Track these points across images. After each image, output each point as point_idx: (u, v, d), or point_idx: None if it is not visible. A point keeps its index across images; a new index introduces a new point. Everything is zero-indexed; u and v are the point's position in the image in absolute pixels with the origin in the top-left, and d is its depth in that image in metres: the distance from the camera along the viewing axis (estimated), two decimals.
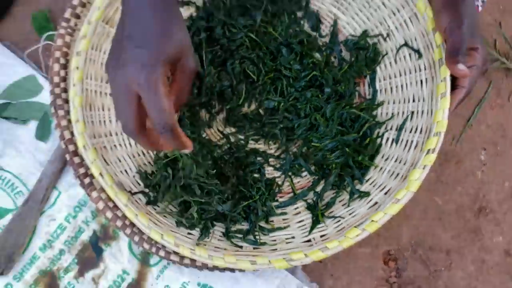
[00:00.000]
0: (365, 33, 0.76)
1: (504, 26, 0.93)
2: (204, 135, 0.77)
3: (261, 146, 0.78)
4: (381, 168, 0.69)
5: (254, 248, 0.66)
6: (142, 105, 0.50)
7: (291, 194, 0.73)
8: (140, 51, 0.49)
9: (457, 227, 0.79)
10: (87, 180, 0.69)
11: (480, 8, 0.73)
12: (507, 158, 0.84)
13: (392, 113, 0.72)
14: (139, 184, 0.70)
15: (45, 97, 0.78)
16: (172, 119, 0.49)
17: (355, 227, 0.61)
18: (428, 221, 0.79)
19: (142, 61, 0.48)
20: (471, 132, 0.85)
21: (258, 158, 0.76)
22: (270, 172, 0.76)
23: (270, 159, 0.76)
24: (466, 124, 0.85)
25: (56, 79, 0.72)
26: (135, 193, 0.68)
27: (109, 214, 0.67)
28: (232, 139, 0.77)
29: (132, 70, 0.48)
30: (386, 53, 0.74)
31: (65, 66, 0.73)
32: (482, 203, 0.81)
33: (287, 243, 0.66)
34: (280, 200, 0.73)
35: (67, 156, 0.70)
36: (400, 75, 0.73)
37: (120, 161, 0.71)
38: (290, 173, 0.75)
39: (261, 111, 0.78)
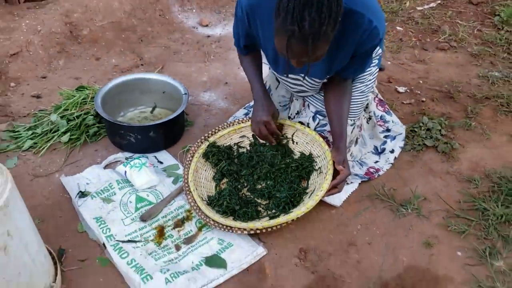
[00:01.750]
0: (310, 156, 1.88)
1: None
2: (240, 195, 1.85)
3: (258, 199, 1.83)
4: (299, 205, 1.71)
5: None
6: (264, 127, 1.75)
7: (266, 215, 1.75)
8: (262, 113, 1.80)
9: None
10: (188, 192, 1.79)
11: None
12: None
13: (312, 190, 1.78)
14: (207, 198, 1.78)
15: (179, 171, 1.96)
16: (275, 130, 1.79)
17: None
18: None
19: (263, 115, 1.78)
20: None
21: (255, 205, 1.81)
22: (259, 209, 1.79)
23: (261, 205, 1.81)
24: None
25: (188, 158, 1.90)
26: (204, 200, 1.76)
27: (192, 204, 1.74)
28: (246, 197, 1.85)
29: (260, 117, 1.80)
30: (315, 168, 1.84)
31: (191, 159, 1.92)
32: None
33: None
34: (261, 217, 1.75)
35: (184, 185, 1.82)
36: (317, 176, 1.81)
37: (201, 190, 1.81)
38: (268, 210, 1.78)
39: (265, 187, 1.86)
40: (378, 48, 1.84)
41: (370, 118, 2.15)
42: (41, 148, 2.09)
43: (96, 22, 3.11)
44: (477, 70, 2.73)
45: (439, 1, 3.42)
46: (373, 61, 1.89)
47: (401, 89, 2.54)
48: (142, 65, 2.86)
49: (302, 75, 1.80)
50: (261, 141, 1.97)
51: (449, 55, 2.89)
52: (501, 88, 2.57)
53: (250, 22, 1.65)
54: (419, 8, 3.36)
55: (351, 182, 1.96)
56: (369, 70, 1.89)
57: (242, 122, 2.00)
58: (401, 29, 3.15)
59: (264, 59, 1.89)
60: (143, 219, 1.77)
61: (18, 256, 1.34)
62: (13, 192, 1.32)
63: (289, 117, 2.05)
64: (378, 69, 1.97)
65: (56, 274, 1.54)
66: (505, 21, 3.10)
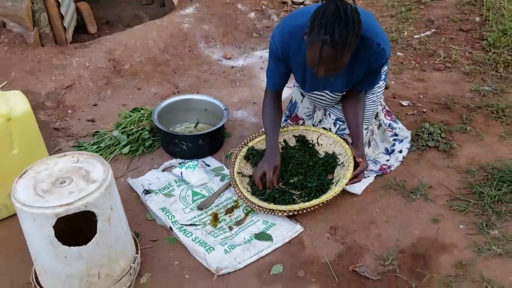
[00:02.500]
0: (333, 154, 2.28)
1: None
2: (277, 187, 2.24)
3: (292, 191, 2.22)
4: (325, 193, 2.10)
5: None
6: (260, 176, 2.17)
7: (301, 202, 2.13)
8: (268, 164, 2.18)
9: None
10: (235, 186, 2.18)
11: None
12: None
13: (336, 180, 2.17)
14: (250, 190, 2.18)
15: (225, 172, 2.36)
16: (271, 180, 2.15)
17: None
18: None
19: (268, 167, 2.17)
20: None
21: (290, 194, 2.19)
22: (294, 198, 2.18)
23: (295, 195, 2.19)
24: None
25: (232, 160, 2.30)
26: (248, 191, 2.16)
27: (240, 194, 2.13)
28: (282, 189, 2.23)
29: (265, 167, 2.18)
30: (338, 164, 2.24)
31: (235, 160, 2.32)
32: None
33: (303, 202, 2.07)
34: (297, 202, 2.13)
35: (231, 180, 2.21)
36: (341, 169, 2.21)
37: (245, 184, 2.21)
38: (301, 198, 2.17)
39: (297, 181, 2.25)
40: (385, 66, 2.28)
41: (380, 125, 2.56)
42: (106, 159, 2.50)
43: (135, 58, 3.58)
44: (470, 86, 3.15)
45: (433, 30, 3.89)
46: (381, 76, 2.31)
47: (405, 103, 2.96)
48: (178, 92, 3.30)
49: (326, 91, 2.22)
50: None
51: (445, 74, 3.32)
52: (491, 99, 2.99)
53: (283, 54, 2.09)
54: (416, 36, 3.82)
55: (368, 176, 2.35)
56: (378, 84, 2.32)
57: None
58: (401, 54, 3.60)
59: (289, 83, 2.33)
60: (199, 208, 2.16)
61: (116, 227, 1.73)
62: (112, 177, 1.72)
63: (313, 125, 2.47)
64: (385, 83, 2.40)
65: (137, 249, 1.92)
66: (492, 44, 3.54)
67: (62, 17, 3.55)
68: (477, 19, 3.97)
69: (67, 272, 1.68)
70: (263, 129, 2.60)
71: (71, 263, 1.66)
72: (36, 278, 1.82)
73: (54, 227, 1.58)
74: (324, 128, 2.38)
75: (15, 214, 2.14)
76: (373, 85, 2.26)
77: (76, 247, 1.64)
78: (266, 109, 2.26)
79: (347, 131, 2.33)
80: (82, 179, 1.68)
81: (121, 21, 4.51)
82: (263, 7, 4.54)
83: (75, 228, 1.74)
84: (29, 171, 1.72)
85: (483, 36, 3.70)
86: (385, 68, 2.35)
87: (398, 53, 3.61)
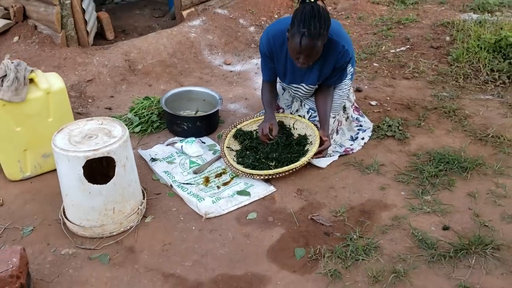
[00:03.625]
0: (305, 135, 2.82)
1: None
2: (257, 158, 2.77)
3: (270, 163, 2.75)
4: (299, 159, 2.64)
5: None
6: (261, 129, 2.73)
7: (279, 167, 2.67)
8: (264, 122, 2.76)
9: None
10: (224, 157, 2.72)
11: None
12: None
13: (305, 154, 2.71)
14: (236, 160, 2.72)
15: (217, 148, 2.90)
16: (267, 132, 2.72)
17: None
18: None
19: (265, 124, 2.74)
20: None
21: (268, 165, 2.72)
22: (270, 168, 2.71)
23: (271, 165, 2.72)
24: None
25: (223, 137, 2.84)
26: (234, 161, 2.69)
27: (227, 163, 2.67)
28: (262, 161, 2.77)
29: (264, 124, 2.73)
30: (308, 143, 2.78)
31: (225, 138, 2.86)
32: None
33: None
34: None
35: (221, 153, 2.75)
36: (310, 146, 2.74)
37: (232, 156, 2.75)
38: (276, 168, 2.70)
39: (275, 156, 2.79)
40: (350, 66, 2.84)
41: (347, 118, 3.10)
42: None
43: (148, 60, 4.16)
44: (431, 92, 3.70)
45: (408, 46, 4.46)
46: (348, 76, 2.87)
47: (373, 103, 3.50)
48: None
49: (303, 84, 2.77)
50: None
51: (412, 82, 3.87)
52: (447, 102, 3.52)
53: (269, 52, 2.66)
54: (392, 51, 4.39)
55: (333, 155, 2.88)
56: (344, 82, 2.87)
57: (258, 117, 2.97)
58: (376, 65, 4.16)
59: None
60: (195, 172, 2.70)
61: (129, 173, 2.27)
62: (128, 136, 2.27)
63: (291, 113, 3.02)
64: (351, 82, 2.95)
65: (144, 197, 2.46)
66: (455, 59, 4.10)
67: (86, 22, 4.15)
68: (447, 38, 4.54)
69: (90, 206, 2.21)
70: (255, 114, 3.16)
71: (93, 198, 2.19)
72: (64, 213, 2.35)
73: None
74: (300, 116, 2.93)
75: (46, 172, 2.70)
76: (341, 81, 2.81)
77: (98, 185, 2.18)
78: (263, 93, 2.86)
79: (317, 118, 2.88)
80: (106, 135, 2.23)
81: (135, 30, 5.10)
82: (262, 22, 5.14)
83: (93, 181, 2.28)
84: (64, 129, 2.27)
85: (450, 52, 4.25)
86: (351, 69, 2.90)
87: (374, 64, 4.17)
